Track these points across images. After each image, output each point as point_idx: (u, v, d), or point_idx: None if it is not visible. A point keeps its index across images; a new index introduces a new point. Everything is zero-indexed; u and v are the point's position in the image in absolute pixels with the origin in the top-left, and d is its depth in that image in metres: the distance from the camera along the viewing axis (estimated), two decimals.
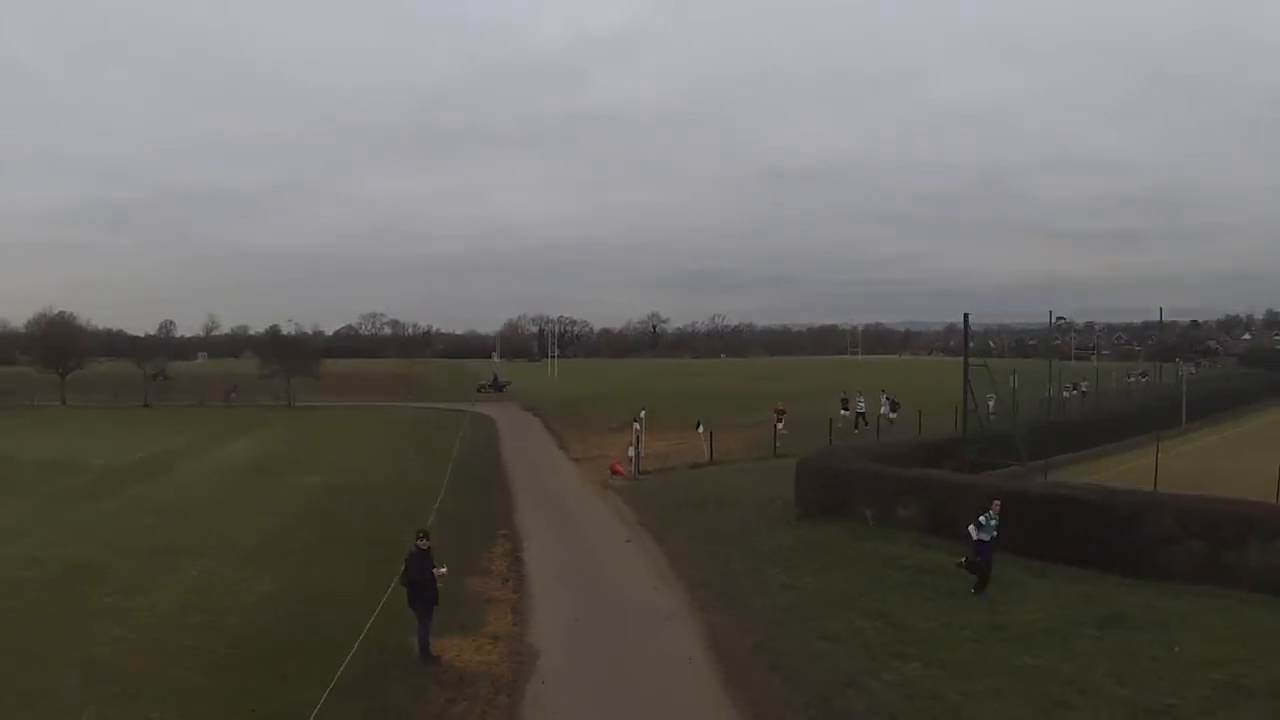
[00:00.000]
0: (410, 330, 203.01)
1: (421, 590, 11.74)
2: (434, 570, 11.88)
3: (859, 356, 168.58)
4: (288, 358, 60.33)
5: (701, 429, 30.84)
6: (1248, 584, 13.24)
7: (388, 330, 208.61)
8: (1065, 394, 49.90)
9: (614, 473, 27.88)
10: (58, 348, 66.85)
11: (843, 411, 37.34)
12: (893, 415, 37.90)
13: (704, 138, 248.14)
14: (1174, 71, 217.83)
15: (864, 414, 37.12)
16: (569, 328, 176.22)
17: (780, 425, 32.24)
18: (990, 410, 27.79)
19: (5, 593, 14.66)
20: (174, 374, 75.05)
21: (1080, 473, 22.60)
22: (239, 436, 40.95)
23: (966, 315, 25.83)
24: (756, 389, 57.76)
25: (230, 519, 21.08)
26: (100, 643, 12.20)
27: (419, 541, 12.01)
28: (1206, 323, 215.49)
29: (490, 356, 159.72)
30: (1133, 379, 69.09)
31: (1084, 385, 53.58)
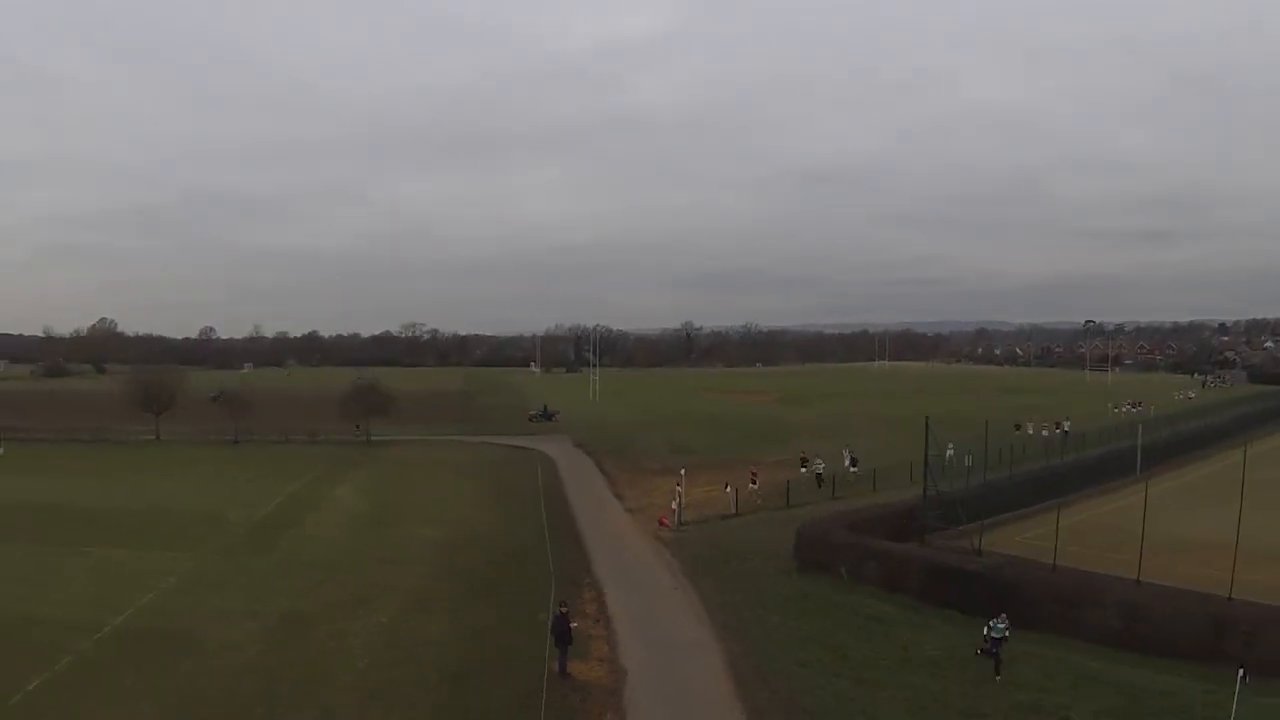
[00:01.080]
0: (449, 337, 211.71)
1: (562, 635, 19.52)
2: (569, 625, 19.65)
3: (886, 364, 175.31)
4: (365, 405, 67.53)
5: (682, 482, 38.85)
6: (1088, 637, 20.41)
7: (426, 337, 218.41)
8: (1045, 433, 56.23)
9: (661, 525, 35.41)
10: (156, 384, 73.31)
11: (801, 470, 44.11)
12: (854, 470, 44.54)
13: (732, 140, 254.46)
14: (1198, 72, 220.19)
15: (821, 474, 42.78)
16: (604, 334, 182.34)
17: (754, 486, 40.41)
18: (947, 461, 34.56)
19: (242, 642, 21.05)
20: (229, 389, 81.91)
21: (1014, 532, 29.84)
22: (339, 481, 47.89)
23: (927, 420, 30.57)
24: (788, 416, 66.40)
25: (381, 571, 28.45)
26: (345, 673, 19.62)
27: (561, 608, 20.19)
28: (1235, 324, 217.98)
29: (529, 365, 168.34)
30: (1121, 409, 74.75)
31: (1066, 425, 59.36)
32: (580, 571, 28.69)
